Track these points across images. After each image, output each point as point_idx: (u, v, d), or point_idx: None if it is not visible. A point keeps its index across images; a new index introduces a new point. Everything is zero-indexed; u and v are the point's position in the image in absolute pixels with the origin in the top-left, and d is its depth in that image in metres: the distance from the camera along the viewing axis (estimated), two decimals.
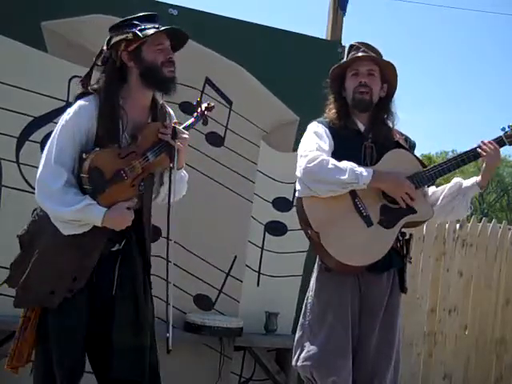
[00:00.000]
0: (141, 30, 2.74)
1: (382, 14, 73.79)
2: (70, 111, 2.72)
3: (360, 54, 3.13)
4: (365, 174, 2.96)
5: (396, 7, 79.14)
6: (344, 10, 4.96)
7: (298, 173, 3.05)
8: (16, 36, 4.13)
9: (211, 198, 4.56)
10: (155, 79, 2.76)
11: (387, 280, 3.10)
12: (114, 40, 2.77)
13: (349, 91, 3.16)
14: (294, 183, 4.67)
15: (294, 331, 4.69)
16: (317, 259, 3.19)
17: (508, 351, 5.79)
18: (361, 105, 3.12)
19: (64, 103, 4.21)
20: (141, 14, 2.81)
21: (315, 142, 3.07)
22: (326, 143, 3.07)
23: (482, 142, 3.11)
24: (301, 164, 3.03)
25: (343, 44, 4.97)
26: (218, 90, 4.61)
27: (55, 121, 4.17)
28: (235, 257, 4.68)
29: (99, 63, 2.82)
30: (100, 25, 4.22)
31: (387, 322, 3.08)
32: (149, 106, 2.84)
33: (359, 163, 3.02)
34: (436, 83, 73.71)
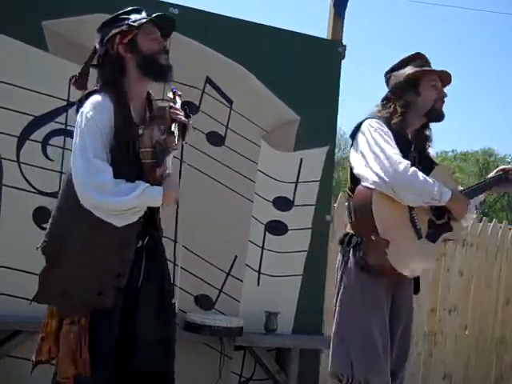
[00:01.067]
0: (134, 22, 2.78)
1: (382, 13, 73.75)
2: (88, 109, 2.72)
3: (446, 70, 3.19)
4: (445, 193, 3.02)
5: (396, 6, 79.05)
6: (342, 15, 4.97)
7: (382, 173, 2.97)
8: (17, 35, 4.12)
9: (211, 198, 4.56)
10: (153, 68, 2.79)
11: (410, 283, 3.22)
12: (108, 35, 2.79)
13: (427, 100, 3.17)
14: (295, 183, 4.74)
15: (294, 331, 4.73)
16: (351, 257, 3.13)
17: (508, 351, 5.79)
18: (439, 116, 3.19)
19: (65, 102, 4.22)
20: (127, 9, 2.85)
21: (391, 144, 3.04)
22: (396, 146, 3.06)
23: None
24: (386, 165, 2.98)
25: (344, 43, 4.98)
26: (218, 90, 4.61)
27: (56, 120, 4.21)
28: (235, 256, 4.68)
29: (95, 63, 2.84)
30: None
31: (408, 319, 3.24)
32: (145, 97, 2.88)
33: None
34: None
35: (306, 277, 4.75)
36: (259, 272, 4.75)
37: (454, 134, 67.88)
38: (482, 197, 3.28)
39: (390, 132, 3.07)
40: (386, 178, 2.96)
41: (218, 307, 4.64)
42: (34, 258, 4.05)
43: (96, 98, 2.74)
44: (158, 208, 2.88)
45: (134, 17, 2.80)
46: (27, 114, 4.16)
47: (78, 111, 2.79)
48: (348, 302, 3.11)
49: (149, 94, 2.91)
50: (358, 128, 3.17)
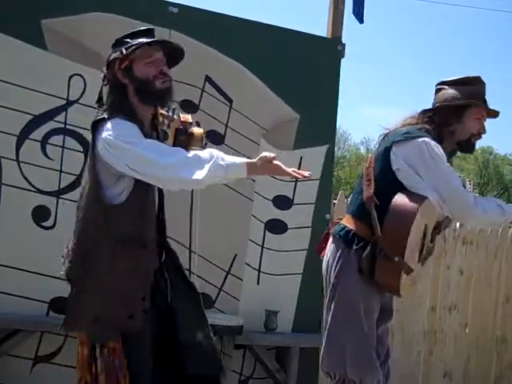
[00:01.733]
0: (130, 47, 2.73)
1: (381, 12, 73.74)
2: (116, 126, 2.65)
3: (497, 110, 3.20)
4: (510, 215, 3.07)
5: (396, 5, 79.03)
6: (361, 20, 4.99)
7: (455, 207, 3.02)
8: (16, 34, 4.12)
9: (211, 196, 4.55)
10: (149, 93, 2.75)
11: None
12: (109, 60, 2.78)
13: (467, 130, 3.14)
14: (294, 181, 4.73)
15: (293, 330, 4.73)
16: (350, 258, 3.12)
17: (508, 349, 5.79)
18: (470, 150, 3.20)
19: (64, 101, 4.22)
20: (136, 30, 2.81)
21: (453, 173, 3.07)
22: None
23: None
24: (463, 200, 3.00)
25: (343, 42, 4.98)
26: (218, 88, 4.61)
27: (55, 119, 4.21)
28: (235, 255, 4.68)
29: (105, 83, 2.82)
30: (100, 23, 4.23)
31: (389, 318, 3.30)
32: (150, 119, 2.86)
33: None
34: (437, 81, 73.59)
35: (305, 275, 4.75)
36: (259, 271, 4.75)
37: None
38: None
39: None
40: (455, 213, 3.04)
41: (217, 306, 4.64)
42: (33, 257, 4.06)
43: (116, 121, 2.68)
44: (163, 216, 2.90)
45: (137, 40, 2.74)
46: (26, 113, 4.16)
47: (94, 137, 2.71)
48: (344, 301, 3.10)
49: (154, 115, 2.88)
50: (406, 139, 3.07)
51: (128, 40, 2.75)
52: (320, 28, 5.14)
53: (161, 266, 2.83)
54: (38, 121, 4.17)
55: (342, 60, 4.95)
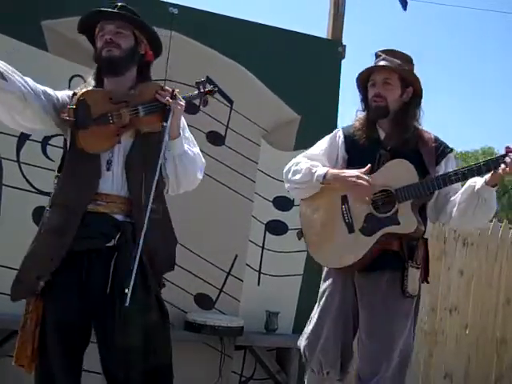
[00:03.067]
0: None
1: (381, 12, 73.77)
2: None
3: (379, 63, 3.15)
4: (318, 173, 3.13)
5: (395, 5, 78.90)
6: (405, 8, 5.03)
7: None
8: (16, 35, 4.13)
9: (212, 197, 4.56)
10: (99, 65, 2.80)
11: (378, 280, 3.10)
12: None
13: (368, 100, 3.19)
14: None
15: (294, 331, 4.72)
16: None
17: (509, 350, 5.78)
18: (376, 112, 3.15)
19: None
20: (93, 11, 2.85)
21: (312, 148, 3.32)
22: (321, 149, 3.26)
23: (509, 148, 2.93)
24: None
25: (344, 43, 4.98)
26: (218, 89, 4.60)
27: None
28: (236, 256, 4.68)
29: None
30: None
31: (385, 320, 3.07)
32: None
33: (373, 171, 3.07)
34: (436, 82, 73.68)
35: (306, 276, 4.75)
36: (259, 272, 4.75)
37: (454, 133, 67.88)
38: (486, 188, 3.00)
39: (335, 138, 3.29)
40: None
41: (218, 307, 4.64)
42: None
43: None
44: (142, 193, 2.71)
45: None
46: None
47: None
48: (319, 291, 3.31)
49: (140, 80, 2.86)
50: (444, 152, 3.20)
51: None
52: (320, 29, 5.16)
53: (110, 252, 2.68)
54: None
55: (343, 61, 4.96)
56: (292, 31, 4.90)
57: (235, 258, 4.67)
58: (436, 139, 3.20)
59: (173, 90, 2.78)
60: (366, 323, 3.14)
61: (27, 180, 4.14)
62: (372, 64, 3.19)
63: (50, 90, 2.76)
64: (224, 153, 4.62)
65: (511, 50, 69.54)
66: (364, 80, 3.21)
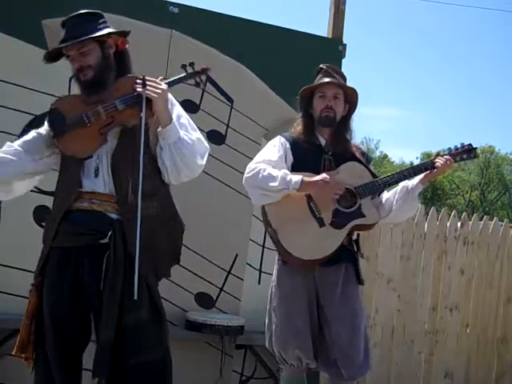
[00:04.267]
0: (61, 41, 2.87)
1: (381, 12, 73.75)
2: None
3: (327, 80, 3.52)
4: (294, 180, 3.35)
5: (396, 5, 79.04)
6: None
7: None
8: (17, 34, 4.12)
9: (212, 196, 4.56)
10: (80, 86, 2.83)
11: (336, 272, 3.48)
12: None
13: (316, 111, 3.54)
14: None
15: None
16: (277, 254, 3.59)
17: (510, 350, 5.78)
18: (326, 121, 3.52)
19: None
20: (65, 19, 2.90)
21: (265, 154, 3.51)
22: (277, 155, 3.49)
23: (438, 154, 3.60)
24: (244, 174, 3.50)
25: (344, 42, 4.98)
26: (219, 88, 4.61)
27: None
28: (236, 255, 4.68)
29: None
30: None
31: (345, 308, 3.46)
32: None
33: (318, 173, 3.42)
34: (436, 81, 73.67)
35: None
36: (260, 271, 4.75)
37: (455, 132, 67.85)
38: (420, 186, 3.53)
39: (281, 144, 3.53)
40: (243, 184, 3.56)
41: (218, 306, 4.64)
42: (35, 257, 4.04)
43: None
44: (129, 192, 2.75)
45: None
46: (27, 113, 4.16)
47: None
48: (274, 291, 3.55)
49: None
50: None
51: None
52: (321, 28, 5.15)
53: (103, 248, 2.71)
54: (38, 121, 4.16)
55: (343, 60, 4.96)
56: (292, 30, 4.90)
57: (236, 257, 4.67)
58: (359, 147, 3.73)
59: (143, 78, 2.75)
60: (331, 313, 3.45)
61: None
62: (321, 78, 3.55)
63: (33, 138, 2.86)
64: (225, 152, 4.62)
65: (509, 50, 69.52)
66: (309, 91, 3.57)
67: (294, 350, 3.44)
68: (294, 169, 3.47)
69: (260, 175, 3.40)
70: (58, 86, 4.19)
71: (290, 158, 3.51)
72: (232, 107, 4.66)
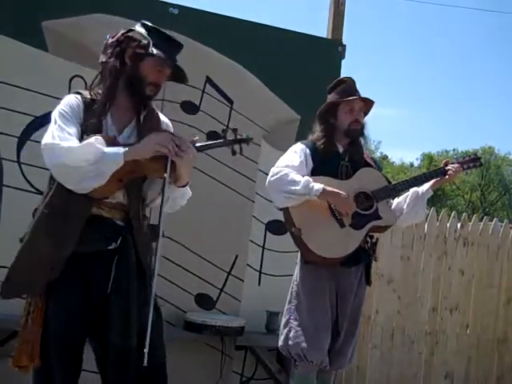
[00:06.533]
0: (154, 45, 2.75)
1: (381, 13, 73.78)
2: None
3: (360, 96, 3.71)
4: (316, 188, 3.52)
5: (395, 5, 79.00)
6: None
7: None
8: (17, 35, 4.13)
9: (212, 197, 4.56)
10: (135, 90, 2.74)
11: (355, 273, 3.69)
12: (130, 33, 2.75)
13: (343, 123, 3.72)
14: None
15: None
16: (299, 254, 3.72)
17: (510, 350, 5.78)
18: (354, 134, 3.73)
19: None
20: (163, 32, 2.85)
21: (288, 159, 3.67)
22: (298, 160, 3.64)
23: (446, 162, 3.85)
24: (268, 177, 3.64)
25: (344, 43, 4.98)
26: (218, 90, 4.61)
27: None
28: (236, 256, 4.68)
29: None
30: (101, 24, 4.23)
31: (355, 307, 3.70)
32: (132, 107, 2.78)
33: (336, 178, 3.64)
34: (438, 81, 73.69)
35: None
36: (260, 272, 4.75)
37: (455, 132, 67.89)
38: (430, 192, 3.79)
39: (302, 149, 3.68)
40: (266, 188, 3.77)
41: (218, 307, 4.64)
42: None
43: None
44: (139, 202, 2.78)
45: (158, 41, 2.79)
46: (27, 115, 4.17)
47: None
48: (296, 290, 3.68)
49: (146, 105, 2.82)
50: None
51: (155, 32, 2.79)
52: (321, 29, 5.16)
53: (111, 254, 2.70)
54: (38, 122, 4.17)
55: (343, 61, 4.96)
56: (292, 31, 4.91)
57: (236, 258, 4.67)
58: (370, 155, 3.94)
59: (176, 139, 2.68)
60: (342, 312, 3.65)
61: (27, 180, 4.14)
62: (346, 91, 3.72)
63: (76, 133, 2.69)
64: (224, 153, 4.61)
65: (509, 49, 69.53)
66: (335, 104, 3.74)
67: (319, 346, 3.57)
68: (314, 174, 3.65)
69: (284, 180, 3.56)
70: (58, 87, 4.20)
71: (310, 164, 3.67)
72: (232, 108, 4.66)
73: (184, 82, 2.92)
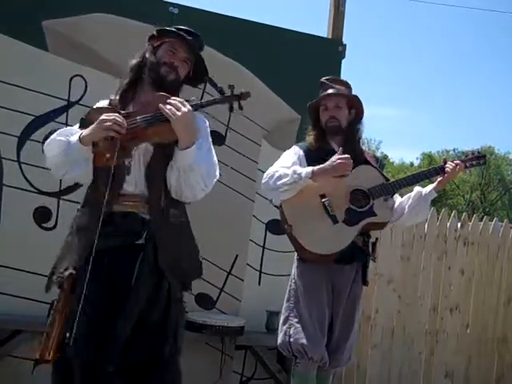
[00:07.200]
0: (167, 32, 2.86)
1: (381, 12, 73.78)
2: None
3: (327, 92, 3.75)
4: (305, 172, 3.53)
5: (396, 5, 79.08)
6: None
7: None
8: (17, 35, 4.13)
9: (212, 197, 4.54)
10: (151, 74, 2.80)
11: (350, 272, 3.69)
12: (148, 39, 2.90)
13: (322, 121, 3.77)
14: None
15: None
16: (295, 253, 3.73)
17: (510, 350, 5.78)
18: (332, 130, 3.75)
19: (65, 102, 4.22)
20: (184, 28, 2.92)
21: (280, 161, 3.69)
22: (291, 161, 3.67)
23: (445, 160, 3.79)
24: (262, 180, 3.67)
25: (344, 42, 4.98)
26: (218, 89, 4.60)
27: (56, 120, 4.21)
28: (236, 256, 4.68)
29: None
30: (101, 24, 4.24)
31: (349, 304, 3.70)
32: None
33: None
34: (439, 81, 73.70)
35: None
36: (260, 271, 4.75)
37: (455, 132, 67.90)
38: (434, 193, 3.76)
39: (296, 151, 3.72)
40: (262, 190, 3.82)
41: (218, 306, 4.64)
42: (35, 258, 4.05)
43: None
44: (161, 193, 2.77)
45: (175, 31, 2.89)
46: (28, 114, 4.17)
47: None
48: (294, 288, 3.71)
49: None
50: None
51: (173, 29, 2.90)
52: (321, 29, 5.16)
53: (137, 249, 2.71)
54: (39, 122, 4.18)
55: (343, 60, 4.96)
56: (292, 30, 4.91)
57: (236, 258, 4.67)
58: (372, 154, 3.96)
59: (167, 97, 2.73)
60: (337, 310, 3.67)
61: (27, 180, 4.14)
62: (322, 92, 3.77)
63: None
64: (224, 153, 4.62)
65: (509, 49, 69.52)
66: (314, 106, 3.80)
67: (318, 342, 3.60)
68: None
69: (273, 177, 3.60)
70: (58, 87, 4.20)
71: (305, 165, 3.69)
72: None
73: (205, 76, 3.11)
